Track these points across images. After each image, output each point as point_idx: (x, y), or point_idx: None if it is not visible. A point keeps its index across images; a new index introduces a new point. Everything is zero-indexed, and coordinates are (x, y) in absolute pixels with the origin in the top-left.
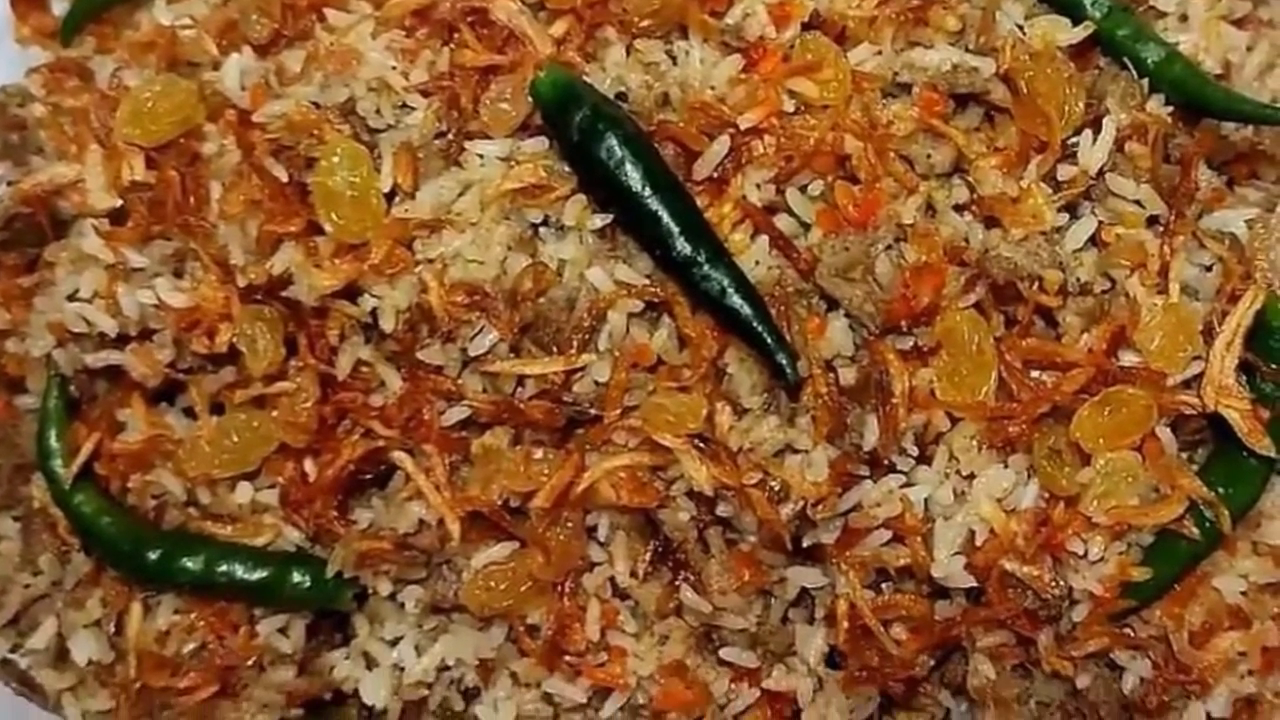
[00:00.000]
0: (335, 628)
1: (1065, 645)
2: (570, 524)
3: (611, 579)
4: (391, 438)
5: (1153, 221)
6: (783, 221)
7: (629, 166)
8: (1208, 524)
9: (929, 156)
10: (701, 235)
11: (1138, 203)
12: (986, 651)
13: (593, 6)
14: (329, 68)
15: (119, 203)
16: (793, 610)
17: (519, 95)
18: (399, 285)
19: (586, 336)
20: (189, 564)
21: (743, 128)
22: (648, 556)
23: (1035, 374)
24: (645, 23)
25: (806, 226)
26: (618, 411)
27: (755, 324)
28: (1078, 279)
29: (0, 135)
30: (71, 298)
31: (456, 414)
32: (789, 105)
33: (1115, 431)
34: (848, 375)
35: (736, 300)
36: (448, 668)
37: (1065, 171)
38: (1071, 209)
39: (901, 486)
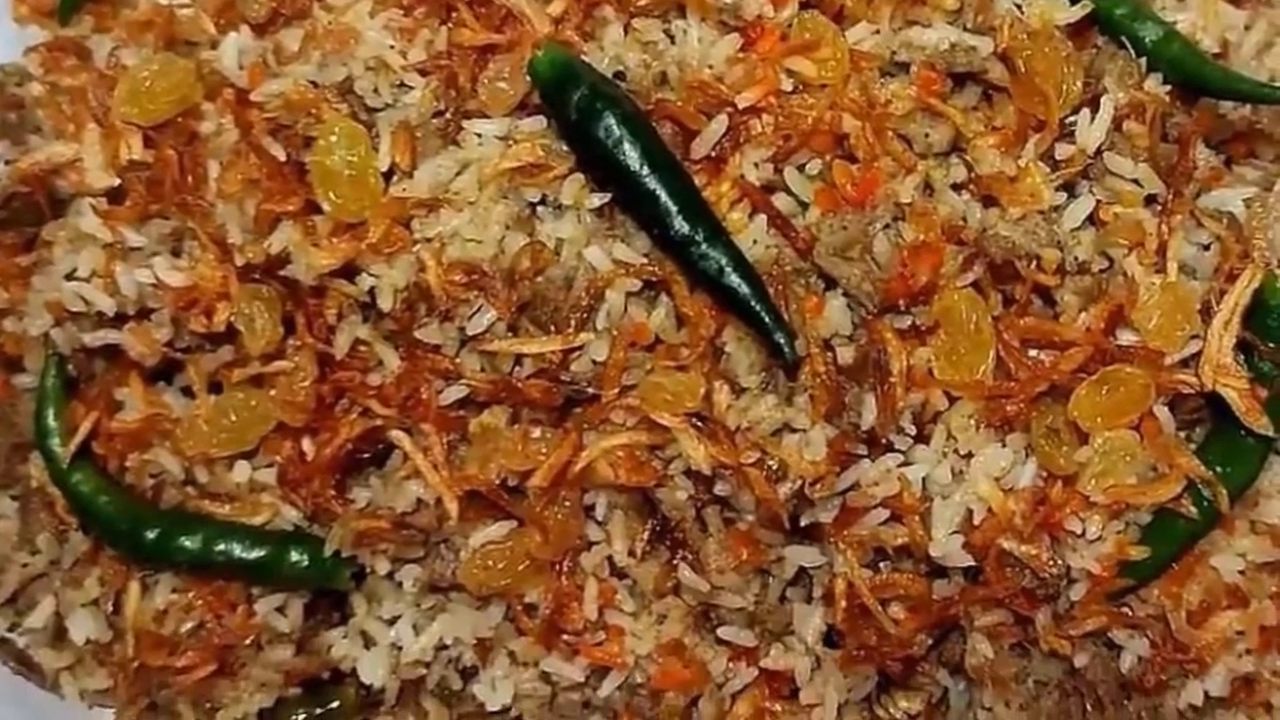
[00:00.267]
0: (333, 607)
1: (1063, 624)
2: (568, 503)
3: (609, 558)
4: (389, 417)
5: (1151, 200)
6: (781, 200)
7: (627, 145)
8: (1206, 503)
9: (927, 135)
10: (699, 214)
11: (1136, 182)
12: (984, 630)
13: None
14: (327, 47)
15: (117, 182)
16: (790, 589)
17: (517, 74)
18: (397, 264)
19: (584, 315)
20: (187, 543)
21: (741, 107)
22: (645, 535)
23: (1033, 353)
24: (643, 2)
25: (804, 205)
26: (615, 390)
27: (753, 303)
28: (1075, 258)
29: None
30: (69, 277)
31: (454, 393)
32: (787, 84)
33: (1113, 410)
34: (846, 354)
35: (734, 279)
36: (445, 647)
37: (1063, 150)
38: (1069, 188)
39: (899, 465)
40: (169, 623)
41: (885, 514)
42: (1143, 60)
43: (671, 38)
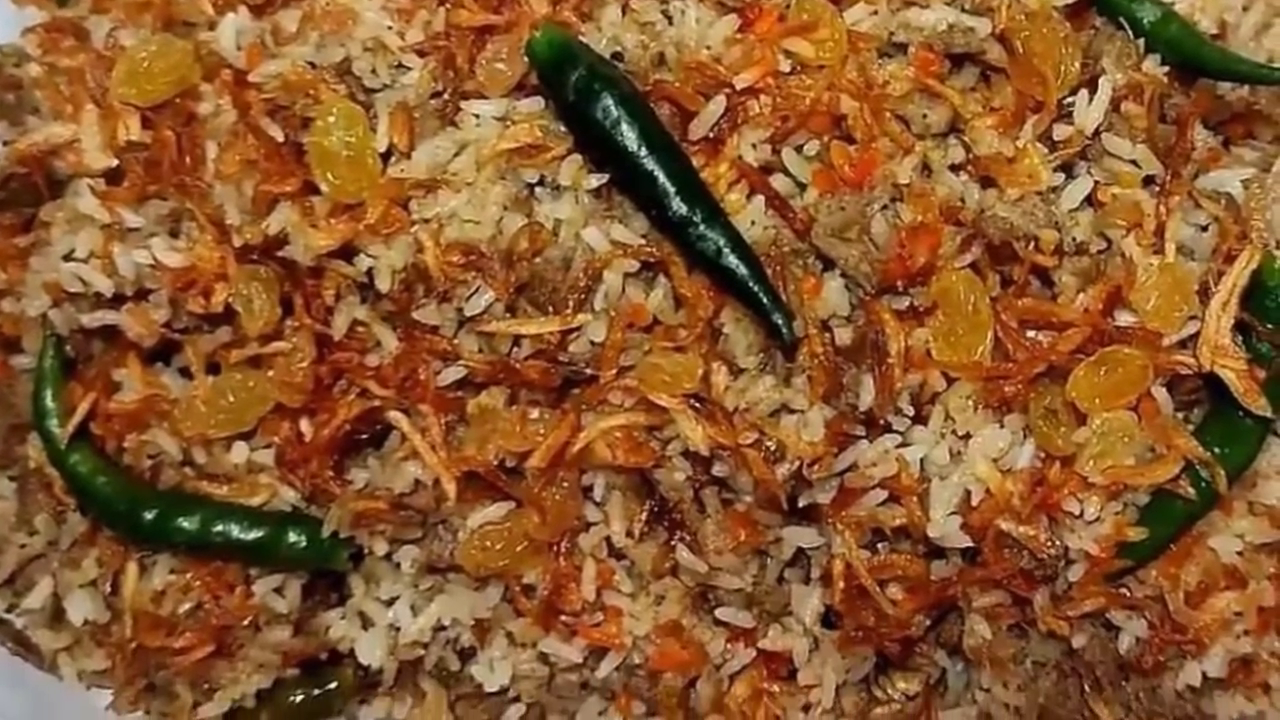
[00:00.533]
0: (331, 588)
1: (1061, 605)
2: (566, 484)
3: (607, 539)
4: (387, 397)
5: (1149, 181)
6: (779, 181)
7: (625, 126)
8: (1204, 484)
9: (925, 116)
10: (697, 195)
11: (1134, 163)
12: (982, 611)
13: None
14: (325, 27)
15: (115, 163)
16: (788, 570)
17: (515, 55)
18: (395, 245)
19: (582, 296)
20: (185, 524)
21: (739, 88)
22: (643, 516)
23: (1031, 334)
24: None
25: (802, 186)
26: (613, 371)
27: (751, 284)
28: (1074, 239)
29: None
30: (67, 257)
31: (452, 374)
32: (785, 65)
33: (1111, 391)
34: (844, 335)
35: (732, 260)
36: (443, 628)
37: (1061, 131)
38: (1067, 169)
39: (897, 446)
40: (167, 603)
41: (883, 495)
42: (1141, 41)
43: (669, 18)
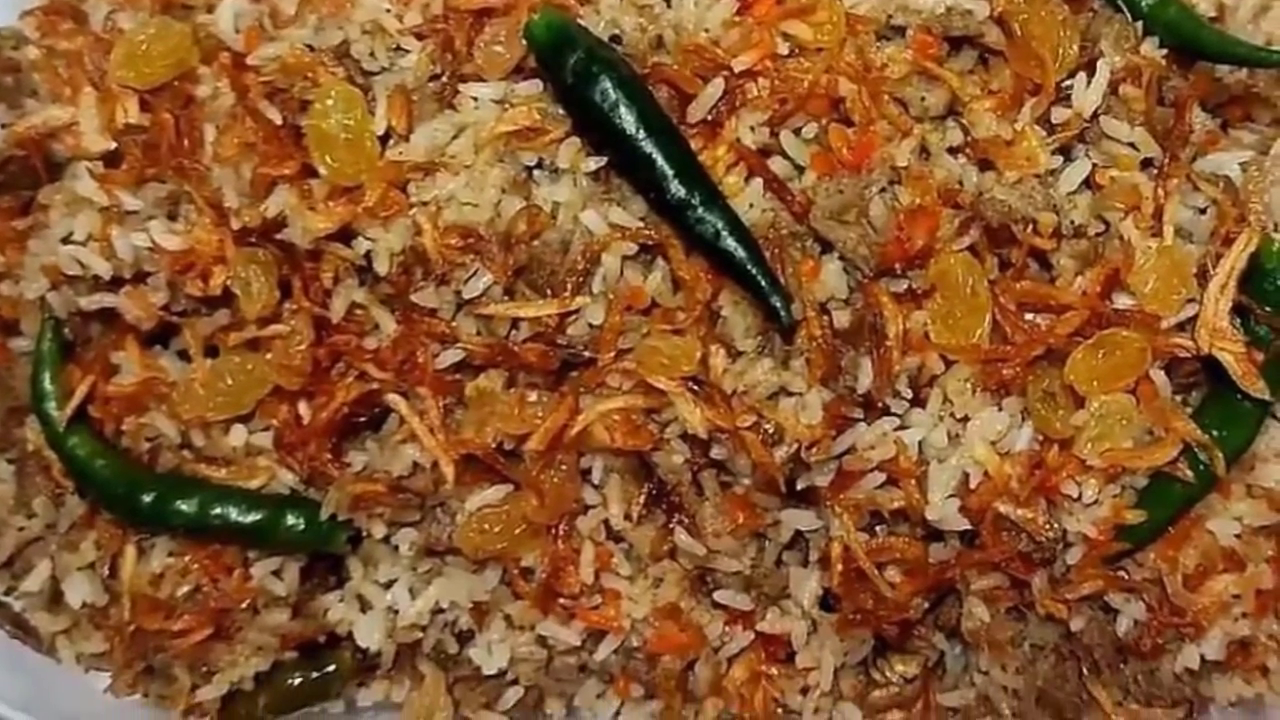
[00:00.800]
0: (329, 570)
1: (1059, 588)
2: (564, 467)
3: (606, 522)
4: (386, 380)
5: (1147, 164)
6: (777, 164)
7: (623, 109)
8: (1202, 467)
9: (923, 99)
10: (696, 178)
11: (1132, 145)
12: (981, 594)
13: None
14: (323, 10)
15: (113, 145)
16: (787, 553)
17: (513, 38)
18: (393, 228)
19: (581, 279)
20: (183, 507)
21: (737, 70)
22: (642, 499)
23: (1029, 317)
24: None
25: (801, 169)
26: (612, 354)
27: (749, 267)
28: (1072, 222)
29: None
30: (66, 240)
31: (451, 357)
32: (783, 48)
33: (1109, 374)
34: (842, 318)
35: (731, 243)
36: (442, 610)
37: (1059, 114)
38: (1066, 152)
39: (896, 429)
40: (165, 586)
41: (881, 478)
42: (1139, 24)
43: (668, 1)
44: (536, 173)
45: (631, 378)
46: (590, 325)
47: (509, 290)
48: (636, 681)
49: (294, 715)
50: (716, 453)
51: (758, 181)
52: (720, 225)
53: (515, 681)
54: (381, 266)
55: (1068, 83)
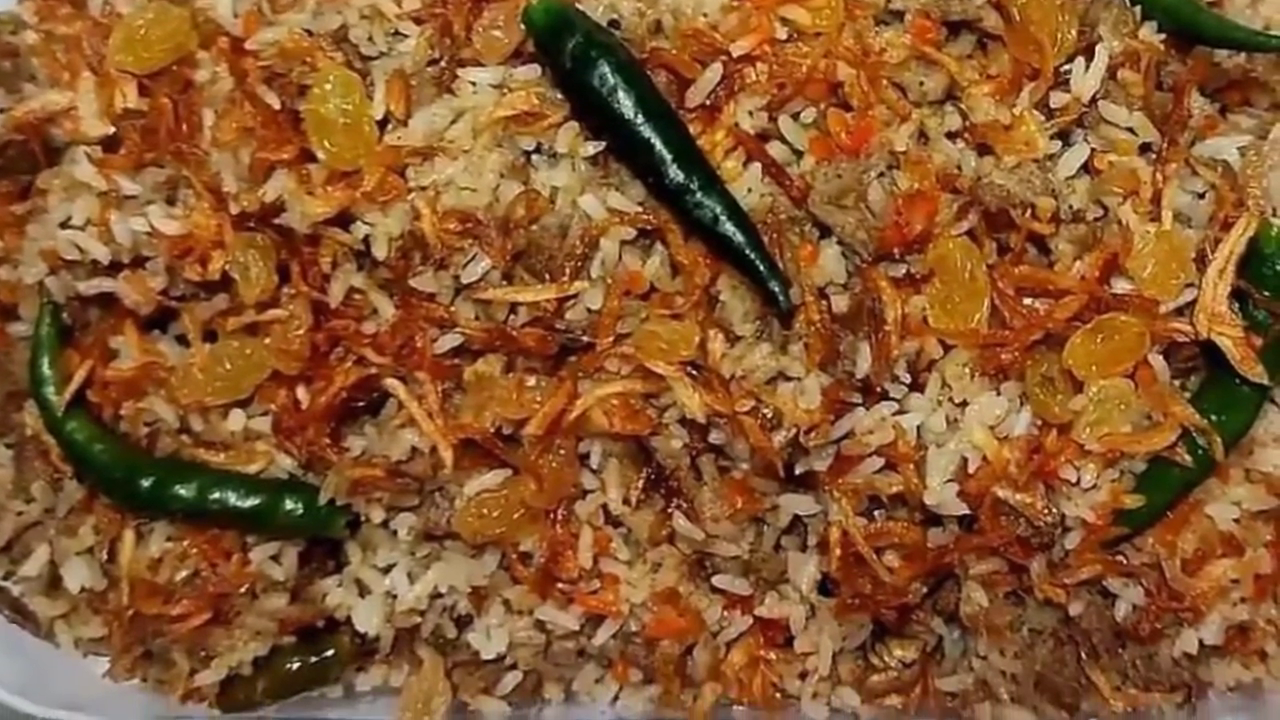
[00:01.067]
0: (328, 555)
1: (1058, 572)
2: (563, 451)
3: (604, 506)
4: (384, 365)
5: (1145, 149)
6: (775, 149)
7: (621, 94)
8: (1200, 451)
9: (922, 84)
10: (694, 163)
11: (1130, 130)
12: (979, 579)
13: None
14: None
15: (112, 130)
16: (785, 538)
17: (511, 22)
18: (391, 213)
19: (579, 264)
20: (181, 491)
21: (735, 55)
22: (640, 484)
23: (1028, 301)
24: None
25: (799, 154)
26: (610, 339)
27: (748, 251)
28: (1070, 206)
29: None
30: (64, 225)
31: (449, 341)
32: (781, 32)
33: (1108, 359)
34: (840, 303)
35: (729, 227)
36: (440, 595)
37: (1058, 99)
38: (1064, 136)
39: (894, 414)
40: (164, 571)
41: (880, 462)
42: (1137, 8)
43: None
44: (535, 157)
45: (630, 362)
46: (589, 310)
47: (507, 275)
48: (635, 666)
49: (292, 700)
50: (715, 437)
51: (756, 166)
52: (719, 210)
53: (514, 666)
54: (380, 251)
55: (1066, 67)
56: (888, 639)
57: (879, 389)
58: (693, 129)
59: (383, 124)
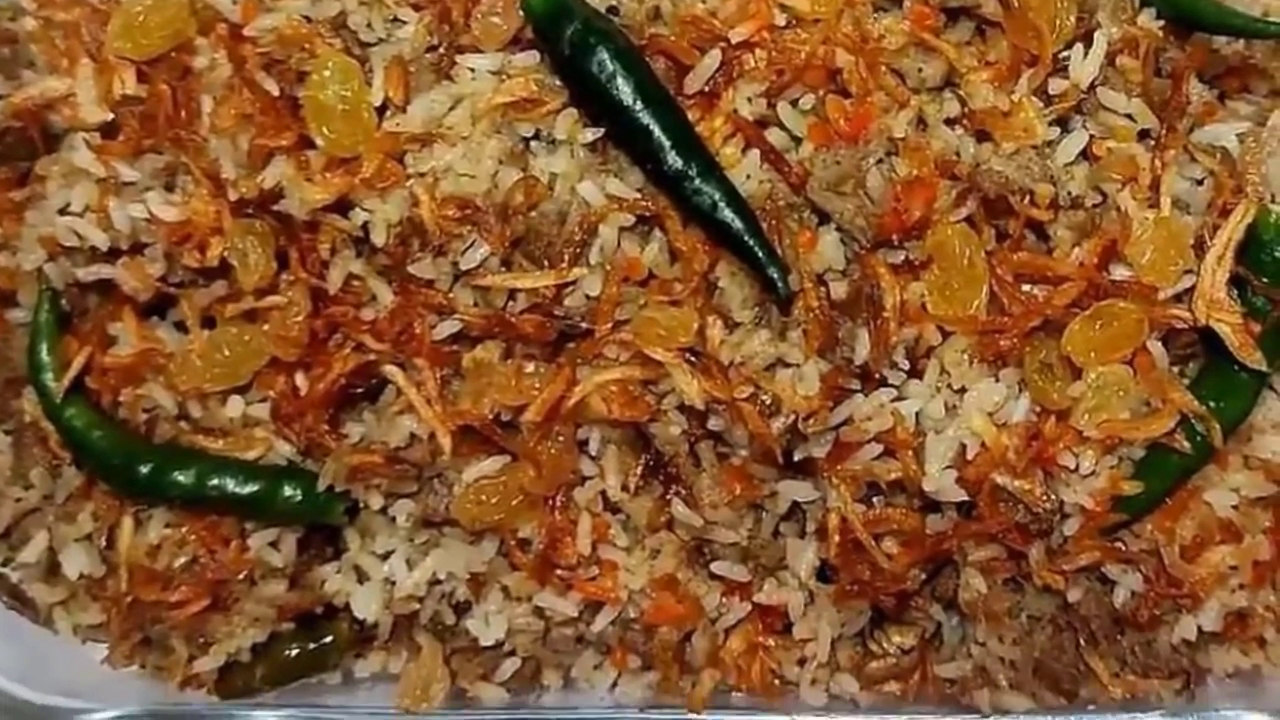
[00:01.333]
0: (326, 542)
1: (1056, 559)
2: (561, 438)
3: (603, 493)
4: (383, 351)
5: (1144, 135)
6: (774, 135)
7: (620, 80)
8: (1199, 438)
9: (920, 70)
10: (693, 149)
11: (1129, 116)
12: (978, 565)
13: None
14: None
15: (110, 117)
16: (784, 524)
17: (510, 9)
18: (390, 199)
19: (578, 250)
20: (180, 478)
21: (734, 41)
22: (639, 470)
23: (1026, 288)
24: None
25: (798, 140)
26: (609, 325)
27: (746, 238)
28: (1069, 193)
29: None
30: (63, 211)
31: (448, 328)
32: (780, 19)
33: (1106, 345)
34: (839, 289)
35: (728, 214)
36: (439, 581)
37: (1056, 85)
38: (1063, 123)
39: (893, 400)
40: (162, 557)
41: (878, 449)
42: None
43: None
44: (534, 144)
45: (629, 349)
46: (587, 296)
47: (506, 261)
48: (634, 652)
49: (291, 686)
50: (714, 424)
51: (755, 152)
52: (717, 196)
53: (512, 653)
54: (379, 237)
55: (1065, 54)
56: (886, 625)
57: (878, 375)
58: (691, 115)
59: (381, 110)
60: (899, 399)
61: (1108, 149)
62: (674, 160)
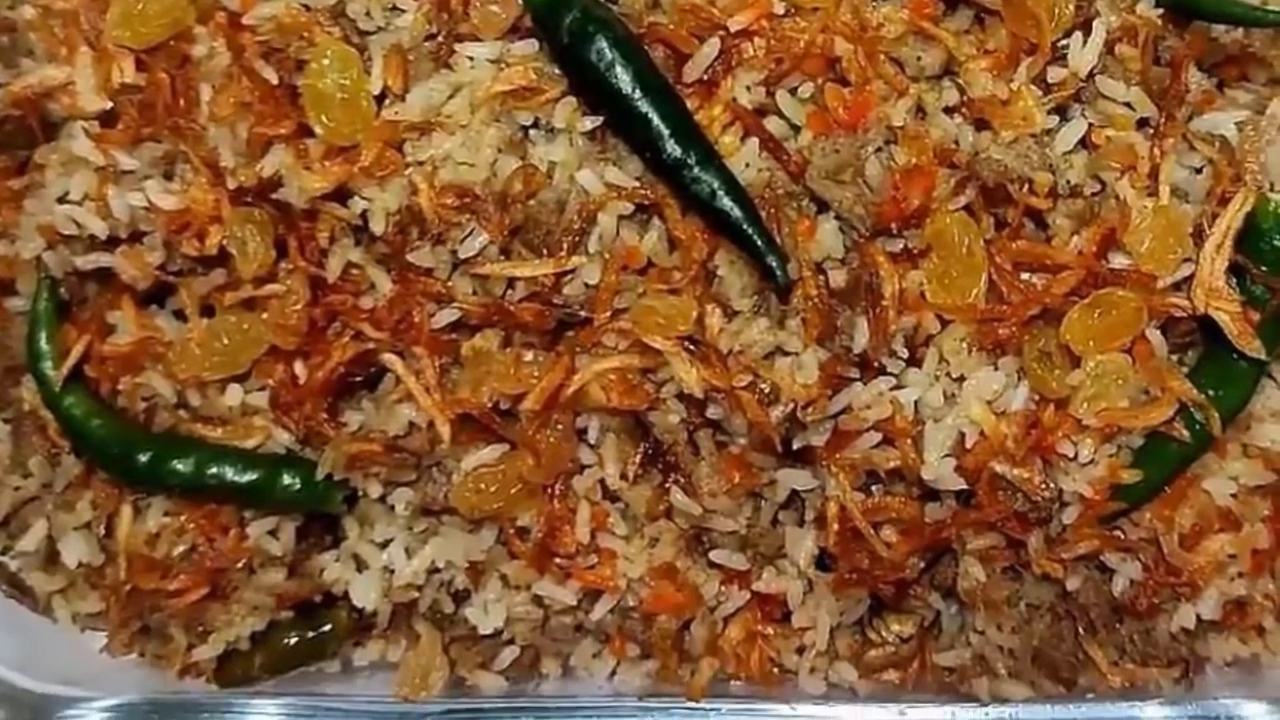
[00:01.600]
0: (325, 530)
1: (1055, 547)
2: (560, 426)
3: (601, 481)
4: (381, 340)
5: (1143, 124)
6: (773, 124)
7: (619, 69)
8: (1198, 426)
9: (919, 59)
10: (692, 137)
11: (1128, 105)
12: (976, 554)
13: None
14: None
15: (109, 105)
16: (783, 513)
17: None
18: (389, 187)
19: (576, 239)
20: (179, 466)
21: (733, 30)
22: (638, 459)
23: (1025, 276)
24: None
25: (797, 129)
26: (608, 314)
27: (745, 226)
28: (1068, 181)
29: None
30: (62, 200)
31: (446, 316)
32: (779, 7)
33: (1105, 334)
34: (838, 277)
35: (727, 202)
36: (438, 570)
37: (1055, 74)
38: (1061, 111)
39: (891, 389)
40: (161, 546)
41: (877, 437)
42: None
43: None
44: (532, 132)
45: (627, 337)
46: (586, 285)
47: (505, 250)
48: (632, 641)
49: (290, 675)
50: (712, 412)
51: (753, 141)
52: (716, 185)
53: (511, 641)
54: (377, 226)
55: (1064, 42)
56: (885, 614)
57: (876, 364)
58: (690, 104)
59: (380, 99)
60: (898, 387)
61: (1106, 137)
62: (673, 149)
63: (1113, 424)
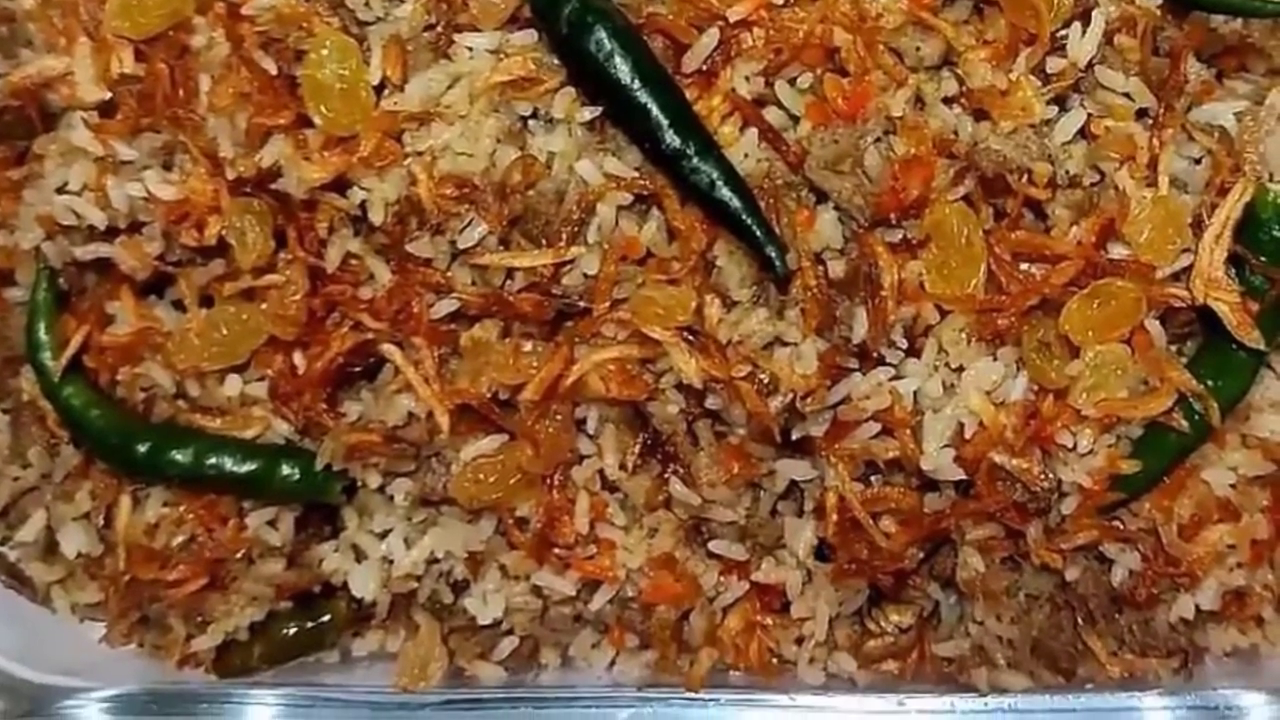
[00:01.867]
0: (324, 520)
1: (1054, 538)
2: (559, 416)
3: (600, 472)
4: (380, 330)
5: (1142, 114)
6: (772, 114)
7: (618, 59)
8: (1197, 417)
9: (918, 49)
10: (691, 128)
11: (1127, 95)
12: (975, 544)
13: None
14: None
15: (108, 95)
16: (782, 503)
17: None
18: (388, 178)
19: (575, 229)
20: (178, 457)
21: (732, 20)
22: (637, 449)
23: (1024, 266)
24: None
25: (796, 119)
26: (607, 304)
27: (744, 216)
28: (1067, 171)
29: None
30: (60, 190)
31: (445, 306)
32: None
33: (1104, 324)
34: (837, 268)
35: (726, 193)
36: (437, 560)
37: (1054, 64)
38: (1060, 101)
39: (890, 379)
40: (160, 536)
41: (876, 427)
42: None
43: None
44: (531, 122)
45: (626, 328)
46: (585, 275)
47: (504, 240)
48: (631, 631)
49: (289, 665)
50: (711, 403)
51: (753, 131)
52: (715, 175)
53: (510, 631)
54: (376, 216)
55: (1063, 32)
56: (884, 604)
57: (875, 354)
58: (689, 94)
59: (379, 89)
60: (897, 378)
61: (1105, 128)
62: (672, 139)
63: (1112, 414)
